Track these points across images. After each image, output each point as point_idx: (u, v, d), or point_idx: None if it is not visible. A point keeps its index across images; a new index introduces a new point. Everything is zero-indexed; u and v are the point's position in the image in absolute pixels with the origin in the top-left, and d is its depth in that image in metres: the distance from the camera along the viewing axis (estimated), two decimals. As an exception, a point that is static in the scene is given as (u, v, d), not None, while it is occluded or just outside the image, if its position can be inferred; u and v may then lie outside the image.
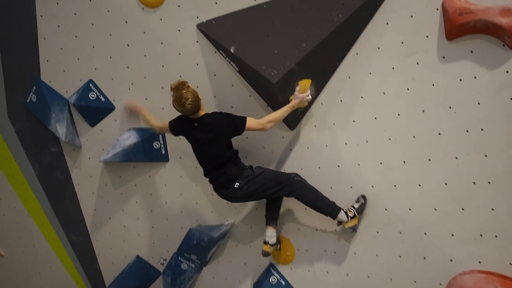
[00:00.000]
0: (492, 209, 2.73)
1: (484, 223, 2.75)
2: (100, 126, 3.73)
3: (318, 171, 3.34)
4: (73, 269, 4.25)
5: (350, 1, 2.91)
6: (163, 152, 3.69)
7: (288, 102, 3.14)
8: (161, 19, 3.26)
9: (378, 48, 2.98)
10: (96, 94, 3.60)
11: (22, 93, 3.77)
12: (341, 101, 3.18)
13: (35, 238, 4.33)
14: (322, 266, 3.39)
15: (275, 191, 3.15)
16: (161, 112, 3.55)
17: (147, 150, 3.66)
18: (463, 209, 2.82)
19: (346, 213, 3.09)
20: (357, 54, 3.06)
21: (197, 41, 3.27)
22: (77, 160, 3.92)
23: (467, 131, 2.76)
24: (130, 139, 3.65)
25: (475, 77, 2.70)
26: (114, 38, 3.41)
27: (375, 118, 3.06)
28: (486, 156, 2.72)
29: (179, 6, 3.22)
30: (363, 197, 3.15)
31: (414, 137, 2.93)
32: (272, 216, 3.40)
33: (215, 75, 3.36)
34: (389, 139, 3.03)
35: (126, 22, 3.34)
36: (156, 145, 3.67)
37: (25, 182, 4.11)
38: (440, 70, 2.79)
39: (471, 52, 2.69)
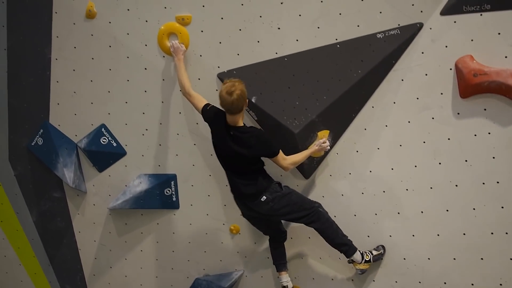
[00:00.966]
0: (511, 259, 2.84)
1: (504, 272, 2.84)
2: (109, 171, 3.63)
3: (334, 219, 3.37)
4: (66, 323, 3.98)
5: (369, 58, 3.08)
6: (174, 199, 3.62)
7: (307, 150, 3.23)
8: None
9: (394, 103, 3.14)
10: (107, 139, 3.53)
11: (26, 136, 3.63)
12: (357, 151, 3.28)
13: (25, 289, 4.05)
14: (339, 317, 3.36)
15: (297, 217, 3.08)
16: (174, 159, 3.52)
17: (158, 197, 3.59)
18: (482, 258, 2.92)
19: (362, 254, 3.11)
20: (373, 107, 3.20)
21: (217, 90, 3.32)
22: (81, 206, 3.76)
23: (483, 183, 2.91)
24: (141, 185, 3.57)
25: (489, 133, 2.89)
26: (131, 83, 3.40)
27: (392, 169, 3.17)
28: (502, 207, 2.86)
29: (200, 55, 3.28)
30: (383, 247, 3.19)
31: (431, 188, 3.05)
32: (282, 261, 3.39)
33: (232, 122, 3.40)
34: (406, 189, 3.13)
35: (145, 68, 3.35)
36: (168, 191, 3.60)
37: (20, 229, 3.87)
38: (455, 125, 2.97)
39: (485, 109, 2.89)
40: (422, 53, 3.02)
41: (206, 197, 3.57)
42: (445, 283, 3.02)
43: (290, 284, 3.33)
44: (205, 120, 3.08)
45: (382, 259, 3.18)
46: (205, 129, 3.36)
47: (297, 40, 3.15)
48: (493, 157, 2.88)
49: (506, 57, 2.81)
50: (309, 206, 3.10)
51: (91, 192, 3.71)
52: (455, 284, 2.99)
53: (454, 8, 2.88)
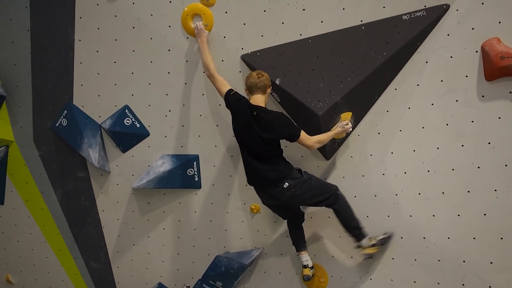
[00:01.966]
0: (530, 239, 2.92)
1: (523, 251, 2.93)
2: (132, 152, 3.68)
3: (354, 200, 3.43)
4: (90, 297, 4.12)
5: (393, 40, 3.08)
6: (197, 179, 3.69)
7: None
8: (205, 50, 3.31)
9: (417, 85, 3.16)
10: (131, 120, 3.57)
11: (50, 117, 3.67)
12: (378, 133, 3.32)
13: (50, 265, 4.16)
14: (357, 293, 3.47)
15: (317, 201, 3.16)
16: (197, 140, 3.57)
17: (180, 177, 3.65)
18: (502, 238, 3.00)
19: (370, 239, 3.19)
20: (395, 89, 3.22)
21: (240, 71, 3.34)
22: (104, 185, 3.83)
23: (506, 165, 2.96)
24: (164, 165, 3.63)
25: (513, 116, 2.93)
26: (155, 65, 3.42)
27: (414, 151, 3.21)
28: (524, 189, 2.92)
29: (224, 37, 3.28)
30: (390, 232, 3.26)
31: (453, 169, 3.10)
32: (301, 242, 3.48)
33: (255, 104, 3.42)
34: (428, 171, 3.18)
35: (169, 50, 3.36)
36: (190, 172, 3.66)
37: (45, 207, 3.96)
38: (480, 108, 2.99)
39: (510, 92, 2.91)
40: (448, 35, 3.01)
41: (228, 178, 3.64)
42: (464, 261, 3.10)
43: (310, 263, 3.44)
44: (227, 105, 3.09)
45: (387, 243, 3.24)
46: (227, 111, 3.40)
47: (321, 22, 3.14)
48: (517, 140, 2.92)
49: (534, 39, 2.82)
50: (328, 189, 3.19)
51: (115, 172, 3.77)
52: (474, 262, 3.08)
53: (483, -10, 2.86)
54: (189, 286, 3.93)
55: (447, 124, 3.10)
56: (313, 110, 3.16)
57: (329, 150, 3.40)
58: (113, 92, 3.53)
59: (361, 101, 3.26)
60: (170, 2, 3.23)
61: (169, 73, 3.43)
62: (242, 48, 3.28)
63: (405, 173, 3.26)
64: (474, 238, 3.07)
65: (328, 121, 3.21)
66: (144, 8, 3.26)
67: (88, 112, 3.62)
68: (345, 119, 3.24)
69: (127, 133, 3.59)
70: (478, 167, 3.03)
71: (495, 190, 2.99)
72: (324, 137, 3.11)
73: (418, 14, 3.02)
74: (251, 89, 2.96)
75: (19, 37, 3.43)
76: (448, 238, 3.15)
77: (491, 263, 3.02)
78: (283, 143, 3.17)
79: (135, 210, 3.90)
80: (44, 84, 3.58)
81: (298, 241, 3.46)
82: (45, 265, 4.16)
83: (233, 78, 3.28)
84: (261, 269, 3.81)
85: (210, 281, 3.76)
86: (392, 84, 3.22)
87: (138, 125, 3.59)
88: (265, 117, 2.94)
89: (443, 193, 3.15)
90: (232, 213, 3.75)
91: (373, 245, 3.16)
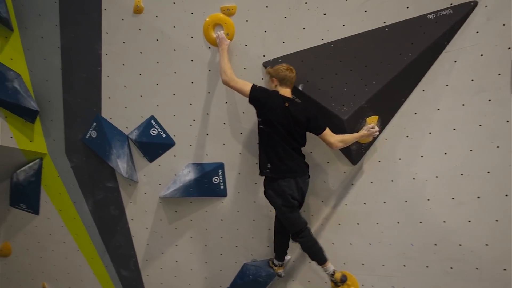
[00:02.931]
0: None
1: None
2: (159, 161, 3.74)
3: (383, 205, 3.34)
4: (122, 305, 4.19)
5: (419, 40, 2.99)
6: (222, 187, 3.69)
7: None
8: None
9: (446, 85, 3.04)
10: (157, 130, 3.63)
11: (81, 130, 3.79)
12: (407, 136, 3.22)
13: (84, 274, 4.27)
14: (390, 302, 3.35)
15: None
16: (221, 148, 3.58)
17: (206, 185, 3.67)
18: (544, 245, 2.83)
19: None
20: (423, 91, 3.12)
21: (262, 79, 3.33)
22: (133, 195, 3.91)
23: (546, 167, 2.80)
24: (190, 174, 3.66)
25: (551, 115, 2.76)
26: (178, 75, 3.47)
27: (445, 153, 3.09)
28: None
29: (246, 45, 3.29)
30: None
31: (488, 172, 2.96)
32: (320, 256, 3.27)
33: (279, 111, 3.40)
34: (461, 174, 3.05)
35: (192, 60, 3.40)
36: (216, 180, 3.67)
37: (77, 217, 4.08)
38: (514, 107, 2.85)
39: (547, 90, 2.76)
40: (477, 32, 2.89)
41: (253, 185, 3.62)
42: (504, 269, 2.93)
43: (332, 269, 3.24)
44: (254, 100, 2.99)
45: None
46: (251, 118, 3.40)
47: (343, 25, 3.09)
48: (557, 140, 2.75)
49: None
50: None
51: (142, 182, 3.84)
52: (514, 271, 2.91)
53: (513, -17, 2.74)
54: None
55: (480, 125, 2.96)
56: (337, 115, 3.11)
57: (355, 155, 3.33)
58: (139, 104, 3.60)
59: (387, 104, 3.18)
60: (192, 13, 3.28)
61: (192, 83, 3.46)
62: (264, 55, 3.28)
63: (436, 177, 3.13)
64: (514, 245, 2.91)
65: (353, 125, 3.14)
66: (167, 20, 3.32)
67: (116, 123, 3.71)
68: (371, 123, 3.16)
69: (153, 143, 3.66)
70: (515, 169, 2.88)
71: (535, 194, 2.83)
72: (348, 138, 3.07)
73: (444, 12, 2.92)
74: (284, 81, 3.01)
75: (50, 54, 3.57)
76: (486, 245, 2.99)
77: (534, 271, 2.85)
78: (309, 147, 3.14)
79: (163, 219, 3.94)
80: (74, 98, 3.70)
81: (315, 256, 3.26)
82: (79, 273, 4.28)
83: (256, 85, 3.27)
84: (289, 277, 3.76)
85: (238, 290, 3.75)
86: (420, 86, 3.12)
87: (163, 135, 3.64)
88: (297, 108, 2.99)
89: (478, 197, 3.01)
90: (258, 221, 3.72)
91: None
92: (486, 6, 2.84)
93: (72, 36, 3.50)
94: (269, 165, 3.06)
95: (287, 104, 2.98)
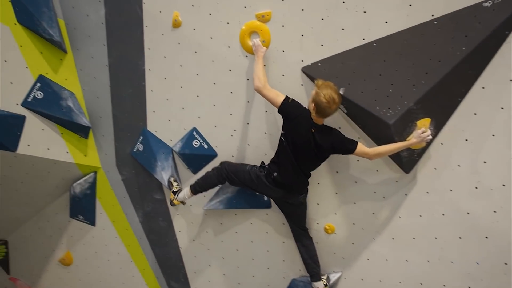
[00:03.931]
0: None
1: None
2: (203, 173, 3.72)
3: (442, 218, 3.01)
4: (173, 317, 4.22)
5: (474, 32, 2.66)
6: (266, 198, 3.58)
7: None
8: (264, 65, 3.24)
9: (510, 80, 2.67)
10: (199, 141, 3.64)
11: (129, 143, 3.92)
12: (466, 140, 2.87)
13: (137, 284, 4.39)
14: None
15: (303, 219, 3.46)
16: (263, 158, 3.48)
17: (249, 196, 3.59)
18: None
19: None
20: (483, 88, 2.77)
21: (302, 85, 3.19)
22: (179, 207, 3.94)
23: None
24: (233, 186, 3.60)
25: None
26: (218, 86, 3.45)
27: (512, 158, 2.70)
28: None
29: (283, 51, 3.18)
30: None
31: None
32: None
33: (321, 118, 3.24)
34: (533, 182, 2.65)
35: (230, 70, 3.36)
36: (259, 191, 3.57)
37: (129, 228, 4.21)
38: None
39: None
40: (545, 17, 2.51)
41: (298, 196, 3.47)
42: None
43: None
44: (282, 110, 2.95)
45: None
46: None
47: (386, 22, 2.86)
48: None
49: None
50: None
51: (188, 194, 3.86)
52: None
53: None
54: None
55: (554, 124, 2.55)
56: (382, 119, 2.86)
57: (407, 162, 3.04)
58: (181, 116, 3.64)
59: (441, 104, 2.86)
60: (228, 23, 3.25)
61: (231, 92, 3.42)
62: (302, 60, 3.14)
63: (503, 185, 2.74)
64: None
65: (401, 130, 2.87)
66: (204, 32, 3.33)
67: (160, 136, 3.78)
68: (423, 126, 2.87)
69: (196, 155, 3.66)
70: None
71: None
72: (387, 149, 2.86)
73: (503, -2, 2.58)
74: (322, 114, 2.84)
75: (100, 72, 3.76)
76: None
77: None
78: (355, 156, 2.99)
79: (208, 231, 3.92)
80: (122, 113, 3.85)
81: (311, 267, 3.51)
82: (132, 283, 4.40)
83: (295, 92, 3.14)
84: (341, 295, 3.52)
85: (287, 306, 3.59)
86: (478, 82, 2.78)
87: (206, 147, 3.64)
88: (322, 133, 2.91)
89: (555, 208, 2.58)
90: (305, 234, 3.55)
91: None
92: (555, -13, 2.45)
93: (118, 54, 3.65)
94: (275, 174, 3.10)
95: (313, 130, 2.90)
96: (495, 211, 2.78)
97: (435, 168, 2.99)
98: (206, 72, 3.44)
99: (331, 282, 3.50)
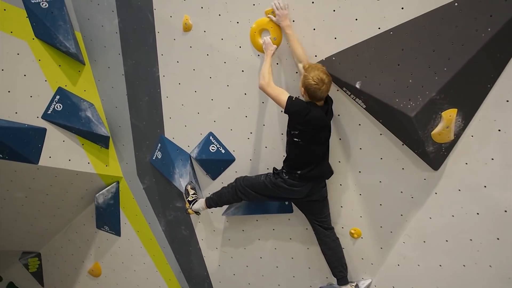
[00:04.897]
0: None
1: None
2: (221, 178, 3.65)
3: (476, 218, 2.74)
4: (198, 326, 4.13)
5: (500, 10, 2.42)
6: (287, 202, 3.44)
7: (430, 137, 2.70)
8: (277, 63, 3.14)
9: (547, 61, 2.41)
10: (216, 146, 3.56)
11: (148, 151, 3.92)
12: (499, 130, 2.61)
13: (163, 294, 4.36)
14: None
15: (326, 214, 3.29)
16: (280, 160, 3.35)
17: (269, 202, 3.45)
18: None
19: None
20: (515, 72, 2.51)
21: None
22: (201, 214, 3.87)
23: None
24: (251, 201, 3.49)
25: None
26: (231, 88, 3.38)
27: (555, 148, 2.42)
28: None
29: (295, 47, 3.06)
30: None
31: None
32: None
33: (338, 115, 3.06)
34: None
35: (243, 71, 3.28)
36: (279, 195, 3.44)
37: (153, 238, 4.19)
38: None
39: None
40: None
41: (320, 199, 3.30)
42: None
43: None
44: (293, 113, 2.86)
45: None
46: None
47: (402, 8, 2.68)
48: None
49: None
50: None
51: (208, 200, 3.79)
52: None
53: None
54: None
55: None
56: (403, 112, 2.66)
57: (435, 158, 2.81)
58: (197, 121, 3.59)
59: (467, 93, 2.63)
60: (238, 23, 3.18)
61: (245, 94, 3.33)
62: (316, 55, 3.00)
63: (545, 179, 2.46)
64: None
65: (424, 122, 2.66)
66: (214, 34, 3.28)
67: (178, 143, 3.75)
68: (448, 117, 2.64)
69: (213, 160, 3.59)
70: None
71: None
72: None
73: (532, -30, 2.34)
74: (313, 97, 2.82)
75: (116, 81, 3.79)
76: None
77: None
78: (379, 154, 2.90)
79: (231, 239, 3.82)
80: (140, 121, 3.85)
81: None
82: (159, 293, 4.37)
83: (310, 90, 3.00)
84: (373, 305, 3.29)
85: (315, 316, 3.40)
86: (510, 66, 2.52)
87: (223, 151, 3.56)
88: (329, 110, 2.95)
89: None
90: (330, 239, 3.36)
91: None
92: None
93: (133, 62, 3.67)
94: (299, 172, 2.95)
95: (326, 113, 2.90)
96: (537, 208, 2.50)
97: (466, 163, 2.74)
98: (219, 74, 3.38)
99: None
